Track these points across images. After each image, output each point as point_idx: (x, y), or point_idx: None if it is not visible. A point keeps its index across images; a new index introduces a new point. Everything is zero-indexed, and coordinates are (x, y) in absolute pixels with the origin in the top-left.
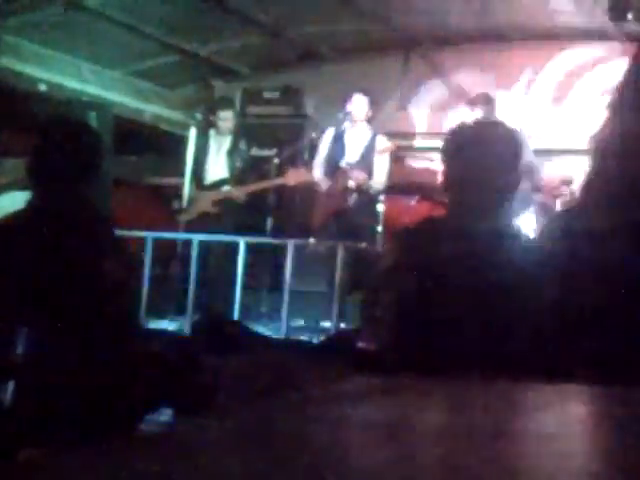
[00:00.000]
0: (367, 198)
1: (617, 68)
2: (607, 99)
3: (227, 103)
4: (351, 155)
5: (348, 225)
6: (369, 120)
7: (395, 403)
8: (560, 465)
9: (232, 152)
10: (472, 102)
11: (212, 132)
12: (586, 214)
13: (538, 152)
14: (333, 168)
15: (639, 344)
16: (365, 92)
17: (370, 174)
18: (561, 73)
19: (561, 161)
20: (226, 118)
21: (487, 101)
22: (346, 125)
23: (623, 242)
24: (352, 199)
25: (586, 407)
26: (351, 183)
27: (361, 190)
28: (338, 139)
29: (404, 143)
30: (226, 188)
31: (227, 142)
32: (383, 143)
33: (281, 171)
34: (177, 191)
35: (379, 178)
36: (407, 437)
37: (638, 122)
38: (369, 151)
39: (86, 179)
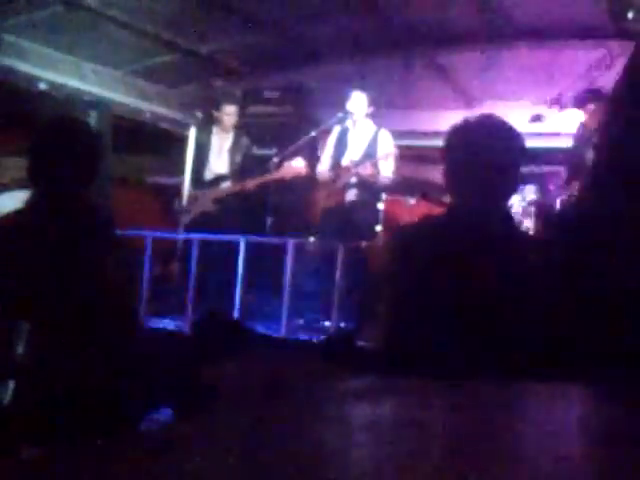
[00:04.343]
0: (370, 194)
1: (618, 67)
2: (608, 96)
3: (231, 98)
4: (354, 153)
5: (348, 223)
6: (371, 115)
7: (395, 402)
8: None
9: (234, 149)
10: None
11: (215, 129)
12: (589, 209)
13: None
14: (336, 166)
15: None
16: (363, 88)
17: (375, 169)
18: (562, 72)
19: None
20: (230, 113)
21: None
22: (348, 123)
23: (624, 238)
24: (352, 197)
25: (589, 406)
26: (353, 180)
27: (366, 184)
28: (341, 138)
29: (407, 142)
30: (225, 185)
31: (229, 140)
32: (386, 145)
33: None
34: (177, 191)
35: (386, 173)
36: (407, 437)
37: (638, 119)
38: (373, 147)
39: (86, 179)
